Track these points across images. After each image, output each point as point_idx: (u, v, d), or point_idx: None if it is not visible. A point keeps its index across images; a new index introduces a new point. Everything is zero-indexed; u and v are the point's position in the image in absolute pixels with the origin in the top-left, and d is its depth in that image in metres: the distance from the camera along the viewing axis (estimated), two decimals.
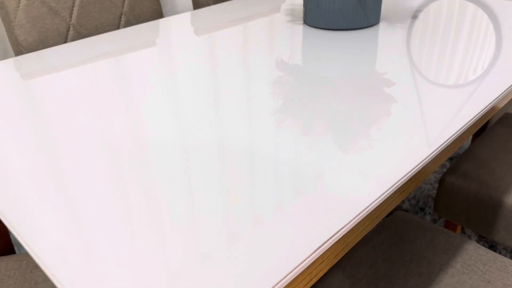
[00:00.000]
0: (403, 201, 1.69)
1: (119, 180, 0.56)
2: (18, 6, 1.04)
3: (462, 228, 1.51)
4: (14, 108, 0.77)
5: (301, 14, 1.23)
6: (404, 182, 0.60)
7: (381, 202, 0.54)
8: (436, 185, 1.75)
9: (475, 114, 0.69)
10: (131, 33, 1.11)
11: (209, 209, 0.51)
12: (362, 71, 0.87)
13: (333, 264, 0.53)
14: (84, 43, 1.06)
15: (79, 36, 1.15)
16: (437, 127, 0.67)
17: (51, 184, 0.56)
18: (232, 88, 0.81)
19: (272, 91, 0.79)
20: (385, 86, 0.80)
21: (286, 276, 0.43)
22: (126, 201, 0.53)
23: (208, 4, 1.41)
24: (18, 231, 0.49)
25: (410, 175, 0.57)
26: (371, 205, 0.52)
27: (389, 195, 0.55)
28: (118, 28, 1.21)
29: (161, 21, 1.21)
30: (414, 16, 1.19)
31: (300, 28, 1.12)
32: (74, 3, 1.09)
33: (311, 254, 0.45)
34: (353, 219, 0.50)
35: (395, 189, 0.56)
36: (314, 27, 1.12)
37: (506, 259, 0.84)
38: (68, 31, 1.12)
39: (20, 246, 1.52)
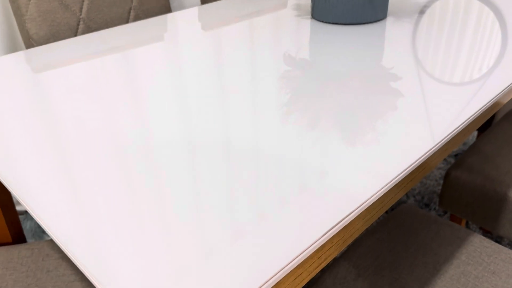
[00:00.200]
0: (407, 197, 1.70)
1: (125, 172, 0.58)
2: (30, 0, 1.06)
3: (467, 223, 1.52)
4: (23, 99, 0.79)
5: (308, 8, 1.24)
6: (408, 174, 0.61)
7: (387, 190, 0.55)
8: (441, 182, 1.76)
9: (477, 110, 0.70)
10: (139, 27, 1.13)
11: (215, 200, 0.52)
12: (369, 66, 0.88)
13: (342, 249, 0.54)
14: (93, 37, 1.07)
15: (89, 30, 1.16)
16: (441, 121, 0.68)
17: (59, 177, 0.58)
18: (239, 82, 0.83)
19: (279, 86, 0.80)
20: (391, 81, 0.81)
21: (296, 257, 0.44)
22: (131, 195, 0.54)
23: None
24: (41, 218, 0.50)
25: (412, 168, 0.58)
26: (377, 193, 0.53)
27: (395, 184, 0.56)
28: (127, 22, 1.23)
29: (168, 15, 1.22)
30: (422, 12, 1.20)
31: (307, 23, 1.13)
32: None
33: (321, 237, 0.46)
34: (360, 205, 0.51)
35: (401, 179, 0.57)
36: (322, 21, 1.13)
37: (511, 251, 0.85)
38: (78, 25, 1.13)
39: (32, 233, 1.54)
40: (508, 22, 1.10)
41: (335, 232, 0.48)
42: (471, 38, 1.01)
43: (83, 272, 0.43)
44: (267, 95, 0.76)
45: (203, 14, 1.23)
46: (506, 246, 1.44)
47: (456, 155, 1.89)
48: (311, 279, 1.38)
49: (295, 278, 0.48)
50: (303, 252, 0.45)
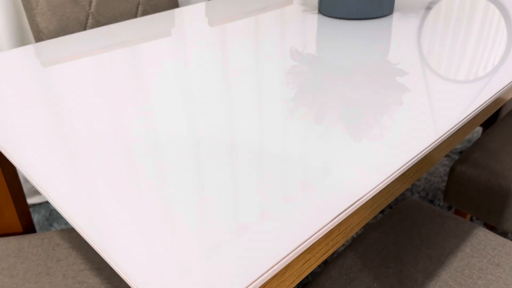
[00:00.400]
0: (412, 193, 1.71)
1: (129, 165, 0.59)
2: None
3: (471, 219, 1.52)
4: (32, 91, 0.80)
5: (315, 4, 1.25)
6: (413, 165, 0.62)
7: (393, 180, 0.56)
8: (445, 178, 1.76)
9: (480, 105, 0.71)
10: (147, 22, 1.14)
11: (220, 192, 0.53)
12: (375, 61, 0.89)
13: (349, 237, 0.55)
14: (101, 31, 1.08)
15: (98, 24, 1.17)
16: (444, 116, 0.68)
17: (66, 171, 0.59)
18: (245, 77, 0.84)
19: (286, 81, 0.81)
20: (397, 76, 0.82)
21: (305, 241, 0.45)
22: (137, 190, 0.55)
23: None
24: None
25: (417, 159, 0.59)
26: (383, 182, 0.54)
27: (400, 174, 0.57)
28: (135, 17, 1.24)
29: (176, 11, 1.23)
30: (428, 7, 1.20)
31: (314, 18, 1.14)
32: None
33: (329, 223, 0.48)
34: (367, 193, 0.52)
35: (405, 169, 0.58)
36: (329, 16, 1.14)
37: None
38: (87, 19, 1.15)
39: (40, 226, 1.55)
40: None
41: (343, 219, 0.49)
42: (477, 34, 1.01)
43: (104, 256, 0.45)
44: (274, 90, 0.77)
45: (210, 9, 1.24)
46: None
47: (460, 152, 1.90)
48: (318, 270, 1.39)
49: (304, 263, 0.49)
50: (312, 236, 0.46)
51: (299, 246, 0.45)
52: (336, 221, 0.48)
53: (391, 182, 0.60)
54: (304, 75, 0.83)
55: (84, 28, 1.15)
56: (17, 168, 0.60)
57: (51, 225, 1.58)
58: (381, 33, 1.03)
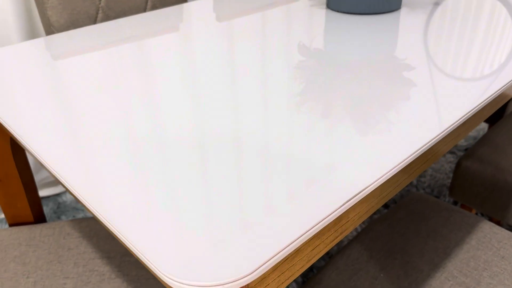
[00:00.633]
0: (417, 190, 1.71)
1: (136, 161, 0.60)
2: None
3: (476, 214, 1.53)
4: (42, 83, 0.82)
5: None
6: (418, 157, 0.63)
7: (400, 169, 0.57)
8: (451, 175, 1.77)
9: (483, 100, 0.71)
10: (155, 17, 1.15)
11: (225, 186, 0.54)
12: (383, 56, 0.90)
13: (357, 225, 0.56)
14: (110, 25, 1.10)
15: (108, 18, 1.19)
16: (449, 110, 0.69)
17: (74, 166, 0.60)
18: (253, 72, 0.85)
19: (294, 76, 0.82)
20: (404, 71, 0.82)
21: (315, 225, 0.46)
22: (143, 185, 0.56)
23: None
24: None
25: (421, 151, 0.60)
26: (390, 172, 0.55)
27: (406, 164, 0.58)
28: (144, 11, 1.25)
29: (184, 5, 1.24)
30: (436, 3, 1.21)
31: (322, 13, 1.15)
32: None
33: (338, 208, 0.49)
34: (375, 181, 0.53)
35: (411, 161, 0.59)
36: (337, 11, 1.15)
37: None
38: (97, 13, 1.16)
39: (48, 218, 1.57)
40: None
41: (351, 205, 0.51)
42: (484, 30, 1.02)
43: (123, 240, 0.46)
44: (281, 85, 0.78)
45: (218, 4, 1.25)
46: None
47: (466, 149, 1.90)
48: (324, 263, 1.40)
49: (313, 249, 0.50)
50: (321, 221, 0.47)
51: (309, 230, 0.46)
52: (344, 207, 0.49)
53: (398, 172, 0.60)
54: (312, 70, 0.84)
55: (94, 22, 1.17)
56: (28, 159, 0.61)
57: (59, 217, 1.60)
58: (389, 28, 1.04)
